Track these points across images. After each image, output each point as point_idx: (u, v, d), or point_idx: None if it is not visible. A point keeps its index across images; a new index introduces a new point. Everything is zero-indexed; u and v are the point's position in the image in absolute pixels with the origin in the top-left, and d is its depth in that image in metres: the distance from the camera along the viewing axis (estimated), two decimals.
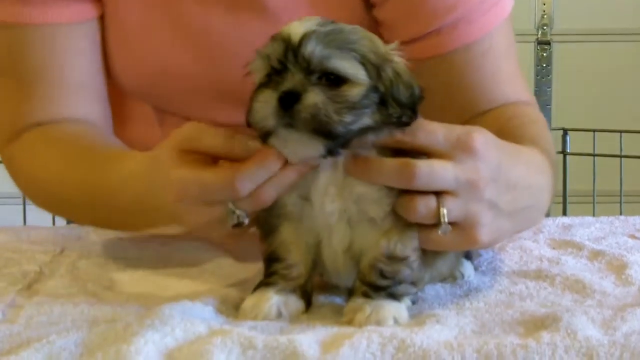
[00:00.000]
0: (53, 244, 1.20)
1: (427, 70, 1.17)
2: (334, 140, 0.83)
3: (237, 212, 0.89)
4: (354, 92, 0.84)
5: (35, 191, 1.23)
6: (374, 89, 0.85)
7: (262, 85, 0.85)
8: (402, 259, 0.88)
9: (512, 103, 1.21)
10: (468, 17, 1.17)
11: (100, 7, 1.23)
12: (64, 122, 1.20)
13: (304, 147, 0.84)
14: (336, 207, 0.87)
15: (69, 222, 1.45)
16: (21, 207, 2.03)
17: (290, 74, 0.83)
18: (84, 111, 1.22)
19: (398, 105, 0.85)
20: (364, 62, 0.84)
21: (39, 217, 1.82)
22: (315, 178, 0.87)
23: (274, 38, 0.86)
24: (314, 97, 0.82)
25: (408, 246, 0.88)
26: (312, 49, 0.83)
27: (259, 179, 0.86)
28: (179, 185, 0.90)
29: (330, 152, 0.85)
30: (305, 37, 0.83)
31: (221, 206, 0.89)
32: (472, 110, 1.20)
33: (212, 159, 0.91)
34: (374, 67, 0.85)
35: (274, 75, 0.85)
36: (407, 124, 0.87)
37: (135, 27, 1.22)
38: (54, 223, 1.86)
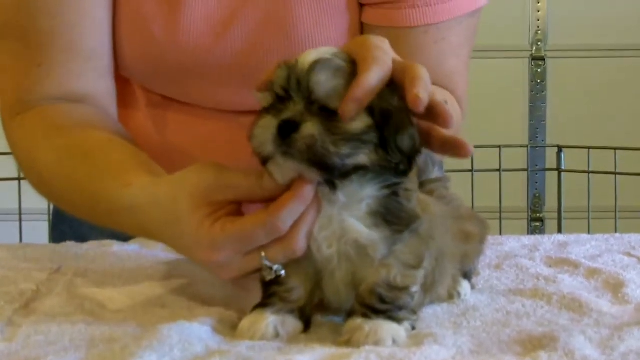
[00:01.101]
0: (50, 262, 1.20)
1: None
2: (330, 172, 0.83)
3: (274, 267, 0.88)
4: (353, 126, 0.83)
5: (30, 173, 1.19)
6: (375, 128, 0.84)
7: (265, 111, 0.86)
8: (403, 289, 0.88)
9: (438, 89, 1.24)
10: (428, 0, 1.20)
11: None
12: (69, 102, 1.17)
13: (294, 175, 0.85)
14: (334, 251, 0.87)
15: (58, 242, 1.44)
16: (17, 223, 2.03)
17: (293, 102, 0.83)
18: (92, 85, 1.20)
19: (400, 153, 0.85)
20: (372, 106, 0.84)
21: (35, 234, 1.82)
22: None
23: (279, 66, 0.86)
24: (312, 128, 0.82)
25: (409, 280, 0.88)
26: (317, 79, 0.83)
27: (297, 213, 0.86)
28: (215, 246, 0.89)
29: (329, 183, 0.85)
30: (312, 66, 0.84)
31: (256, 255, 0.88)
32: None
33: (237, 205, 0.91)
34: (382, 111, 0.85)
35: (278, 102, 0.85)
36: (404, 173, 0.87)
37: (149, 7, 1.21)
38: (50, 240, 1.85)
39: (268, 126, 0.83)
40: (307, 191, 0.85)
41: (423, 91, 0.84)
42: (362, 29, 1.26)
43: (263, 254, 0.88)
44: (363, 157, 0.84)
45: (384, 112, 0.85)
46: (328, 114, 0.83)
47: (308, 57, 0.85)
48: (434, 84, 1.22)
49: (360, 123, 0.84)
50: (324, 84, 0.83)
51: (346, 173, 0.84)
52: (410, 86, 0.85)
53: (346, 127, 0.83)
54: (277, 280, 0.90)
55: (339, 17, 1.23)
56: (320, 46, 1.16)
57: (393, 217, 0.87)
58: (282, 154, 0.83)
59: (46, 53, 1.17)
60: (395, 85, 0.87)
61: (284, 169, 0.85)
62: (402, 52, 1.20)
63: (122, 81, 1.30)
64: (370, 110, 0.84)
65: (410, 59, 1.20)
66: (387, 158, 0.85)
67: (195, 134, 1.30)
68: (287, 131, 0.82)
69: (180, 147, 1.30)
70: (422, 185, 0.99)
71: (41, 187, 1.18)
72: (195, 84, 1.25)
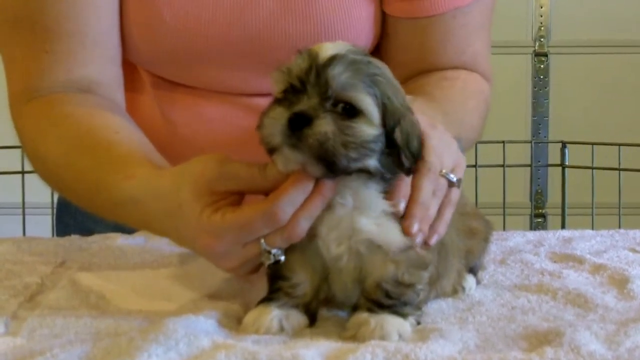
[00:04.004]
0: (54, 256, 1.20)
1: (405, 29, 1.24)
2: (333, 171, 0.83)
3: (273, 251, 0.88)
4: (366, 131, 0.83)
5: (36, 162, 1.19)
6: (384, 134, 0.84)
7: (277, 102, 0.85)
8: (409, 285, 0.88)
9: (462, 69, 1.27)
10: None
11: None
12: (77, 90, 1.17)
13: (298, 167, 0.85)
14: (344, 249, 0.87)
15: (63, 234, 1.44)
16: (20, 217, 2.03)
17: (307, 95, 0.83)
18: (99, 71, 1.20)
19: (410, 154, 0.86)
20: (385, 104, 0.84)
21: (38, 228, 1.82)
22: (321, 219, 0.87)
23: (299, 53, 0.85)
24: (325, 126, 0.81)
25: (416, 278, 0.88)
26: (337, 74, 0.82)
27: (297, 203, 0.85)
28: (215, 234, 0.89)
29: (329, 179, 0.85)
30: (332, 60, 0.83)
31: (255, 245, 0.88)
32: (426, 69, 1.25)
33: (239, 196, 0.90)
34: (393, 114, 0.85)
35: (291, 92, 0.84)
36: (410, 171, 0.87)
37: None
38: (53, 234, 1.86)
39: (279, 117, 0.83)
40: (307, 182, 0.85)
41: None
42: (384, 18, 1.26)
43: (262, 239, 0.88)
44: (369, 162, 0.84)
45: (396, 114, 0.85)
46: (342, 112, 0.83)
47: (326, 51, 0.84)
48: (459, 67, 1.26)
49: (372, 127, 0.84)
50: (346, 79, 0.82)
51: (349, 173, 0.84)
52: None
53: (358, 130, 0.83)
54: (283, 275, 0.90)
55: (358, 5, 1.23)
56: (339, 32, 1.17)
57: None
58: (290, 146, 0.82)
59: (53, 40, 1.17)
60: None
61: (289, 161, 0.84)
62: (430, 40, 1.25)
63: (128, 65, 1.29)
64: (381, 111, 0.84)
65: (438, 45, 1.24)
66: (398, 161, 0.85)
67: (201, 115, 1.29)
68: (298, 124, 0.81)
69: (186, 128, 1.29)
70: None
71: (47, 176, 1.18)
72: (206, 69, 1.24)
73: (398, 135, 0.85)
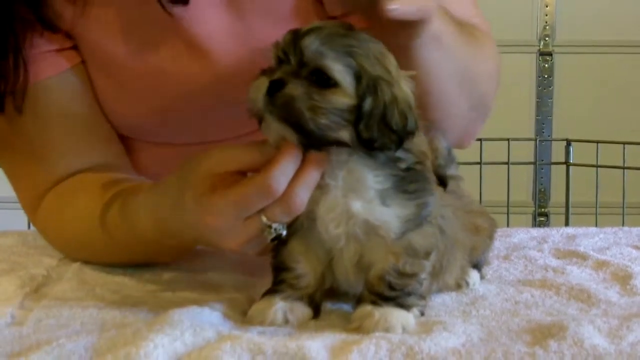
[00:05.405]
0: None
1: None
2: (306, 138, 0.84)
3: (274, 225, 0.88)
4: (337, 99, 0.83)
5: (66, 247, 1.19)
6: (358, 107, 0.84)
7: (262, 72, 0.87)
8: (412, 275, 0.89)
9: None
10: None
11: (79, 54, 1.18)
12: (75, 174, 1.17)
13: (280, 136, 0.85)
14: (342, 231, 0.88)
15: None
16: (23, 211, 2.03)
17: (286, 64, 0.85)
18: (97, 156, 1.18)
19: (386, 128, 0.84)
20: (361, 74, 0.84)
21: None
22: (318, 201, 0.88)
23: (288, 31, 0.87)
24: (293, 89, 0.83)
25: (418, 267, 0.89)
26: (309, 43, 0.84)
27: (289, 172, 0.86)
28: (214, 211, 0.89)
29: (308, 147, 0.85)
30: (308, 32, 0.85)
31: (256, 220, 0.88)
32: None
33: (242, 176, 0.90)
34: (371, 82, 0.84)
35: (277, 64, 0.86)
36: (388, 149, 0.85)
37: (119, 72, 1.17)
38: None
39: (260, 85, 0.85)
40: (295, 151, 0.86)
41: None
42: None
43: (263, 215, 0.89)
44: (345, 133, 0.84)
45: (374, 82, 0.84)
46: (317, 81, 0.84)
47: (310, 25, 0.86)
48: None
49: (345, 99, 0.84)
50: (318, 47, 0.84)
51: (326, 143, 0.85)
52: None
53: (329, 97, 0.83)
54: (286, 266, 0.91)
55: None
56: None
57: (408, 188, 0.87)
58: (268, 112, 0.84)
59: (46, 148, 1.16)
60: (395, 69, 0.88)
61: (270, 129, 0.85)
62: None
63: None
64: (357, 82, 0.84)
65: None
66: (359, 134, 0.84)
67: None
68: (274, 90, 0.84)
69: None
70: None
71: (76, 252, 1.17)
72: (195, 129, 1.21)
73: (368, 104, 0.84)
